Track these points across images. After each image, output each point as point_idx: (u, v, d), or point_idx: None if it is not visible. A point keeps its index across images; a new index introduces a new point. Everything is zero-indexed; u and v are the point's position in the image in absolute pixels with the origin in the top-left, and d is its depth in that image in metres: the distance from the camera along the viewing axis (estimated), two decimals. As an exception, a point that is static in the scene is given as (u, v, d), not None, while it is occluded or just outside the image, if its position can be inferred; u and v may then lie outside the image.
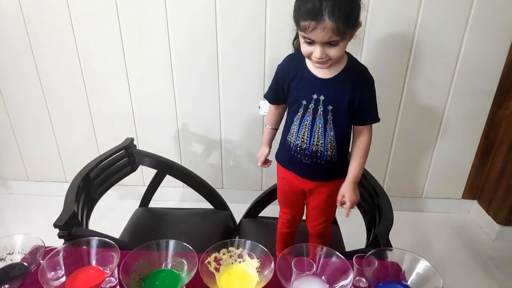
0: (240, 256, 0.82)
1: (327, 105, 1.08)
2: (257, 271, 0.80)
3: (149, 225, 1.56)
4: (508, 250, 1.99)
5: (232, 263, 0.82)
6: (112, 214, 2.11)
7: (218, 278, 0.78)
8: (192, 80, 2.03)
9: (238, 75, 1.99)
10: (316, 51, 0.97)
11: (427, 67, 1.91)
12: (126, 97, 2.09)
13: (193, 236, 1.47)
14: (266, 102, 2.02)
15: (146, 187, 2.29)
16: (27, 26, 1.93)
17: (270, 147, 1.34)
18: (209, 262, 0.79)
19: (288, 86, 1.14)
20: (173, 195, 2.35)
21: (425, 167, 2.19)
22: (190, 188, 2.33)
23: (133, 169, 1.61)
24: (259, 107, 2.07)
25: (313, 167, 1.17)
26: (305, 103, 1.10)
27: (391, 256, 0.86)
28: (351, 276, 0.75)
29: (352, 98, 1.07)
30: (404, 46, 1.87)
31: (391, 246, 1.06)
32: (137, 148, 1.63)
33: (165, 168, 1.63)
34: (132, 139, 1.60)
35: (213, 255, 0.80)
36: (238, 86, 2.02)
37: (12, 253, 0.81)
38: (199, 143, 2.22)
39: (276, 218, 1.67)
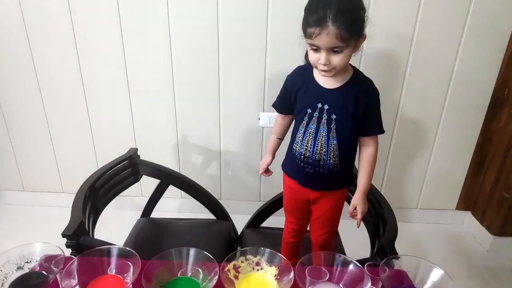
0: (257, 264, 0.84)
1: (331, 114, 1.12)
2: (275, 279, 0.81)
3: (152, 235, 1.56)
4: (503, 260, 2.04)
5: (250, 271, 0.83)
6: (110, 224, 2.09)
7: (237, 285, 0.79)
8: (192, 92, 2.05)
9: (238, 87, 2.02)
10: (321, 57, 1.02)
11: (422, 82, 1.97)
12: (127, 108, 2.10)
13: (197, 246, 1.47)
14: (265, 114, 2.09)
15: (143, 197, 2.31)
16: (28, 35, 1.94)
17: (273, 156, 1.35)
18: (228, 270, 0.80)
19: (295, 95, 1.18)
20: (171, 206, 2.35)
21: (420, 178, 2.23)
22: (188, 199, 2.34)
23: (137, 179, 1.62)
24: (259, 118, 2.10)
25: (315, 176, 1.19)
26: (310, 111, 1.14)
27: (403, 264, 0.88)
28: (369, 285, 0.77)
29: (356, 108, 1.10)
30: (400, 62, 1.93)
31: (398, 255, 1.09)
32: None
33: (168, 178, 1.64)
34: (136, 149, 1.61)
35: (232, 262, 0.81)
36: (238, 98, 2.05)
37: (30, 261, 0.81)
38: (199, 154, 2.23)
39: (278, 229, 1.69)
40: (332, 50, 1.01)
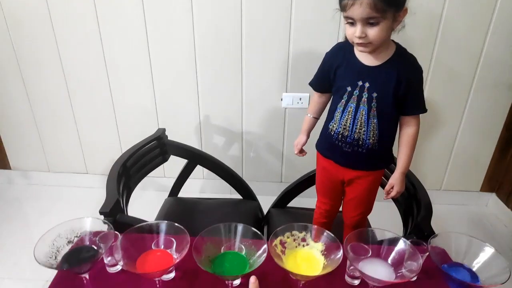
0: (303, 239, 0.84)
1: (371, 92, 1.09)
2: (322, 254, 0.81)
3: (181, 214, 1.58)
4: (528, 241, 2.03)
5: (296, 247, 0.83)
6: (134, 204, 2.12)
7: (284, 260, 0.80)
8: (215, 73, 2.03)
9: (261, 67, 2.00)
10: (357, 30, 1.00)
11: (451, 59, 1.93)
12: (149, 89, 2.10)
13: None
14: (288, 94, 2.07)
15: (166, 178, 2.33)
16: (52, 18, 1.93)
17: (308, 136, 1.33)
18: (275, 245, 0.80)
19: (334, 73, 1.15)
20: (193, 187, 2.36)
21: (445, 159, 2.21)
22: (210, 180, 2.36)
23: (165, 159, 1.62)
24: (281, 99, 2.08)
25: (353, 156, 1.18)
26: (350, 89, 1.12)
27: (450, 241, 0.88)
28: (420, 261, 0.77)
29: (398, 86, 1.08)
30: (428, 40, 1.89)
31: (435, 233, 1.08)
32: (167, 138, 1.64)
33: (196, 158, 1.64)
34: (164, 130, 1.61)
35: (279, 238, 0.82)
36: (261, 78, 2.03)
37: (79, 235, 0.82)
38: (221, 135, 2.23)
39: (304, 209, 1.69)
40: (368, 22, 0.99)
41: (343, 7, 1.00)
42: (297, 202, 1.70)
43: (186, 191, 1.80)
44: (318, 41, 1.90)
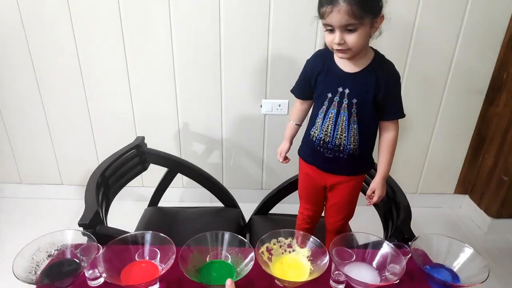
0: (289, 246, 0.84)
1: (351, 98, 1.12)
2: (308, 260, 0.82)
3: (162, 224, 1.55)
4: (501, 242, 2.10)
5: (282, 253, 0.83)
6: (113, 214, 2.07)
7: (271, 267, 0.80)
8: (194, 79, 2.02)
9: (240, 74, 2.01)
10: (336, 36, 1.02)
11: (424, 66, 1.99)
12: (127, 97, 2.06)
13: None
14: (268, 101, 2.08)
15: (144, 188, 2.29)
16: (24, 23, 1.88)
17: (291, 143, 1.34)
18: (262, 252, 0.80)
19: (315, 79, 1.17)
20: (173, 196, 2.33)
21: (420, 163, 2.27)
22: (189, 189, 2.34)
23: (144, 168, 1.60)
24: (261, 106, 2.09)
25: (335, 161, 1.20)
26: (330, 95, 1.14)
27: (431, 242, 0.90)
28: (403, 263, 0.79)
29: (377, 92, 1.11)
30: (402, 47, 1.94)
31: (415, 236, 1.11)
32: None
33: (177, 166, 1.62)
34: (143, 138, 1.59)
35: (265, 245, 0.82)
36: (240, 85, 2.04)
37: (60, 249, 0.80)
38: (200, 142, 2.22)
39: (286, 215, 1.70)
40: (347, 29, 1.01)
41: (321, 15, 1.03)
42: (279, 208, 1.70)
43: (166, 200, 1.78)
44: (296, 47, 1.93)
